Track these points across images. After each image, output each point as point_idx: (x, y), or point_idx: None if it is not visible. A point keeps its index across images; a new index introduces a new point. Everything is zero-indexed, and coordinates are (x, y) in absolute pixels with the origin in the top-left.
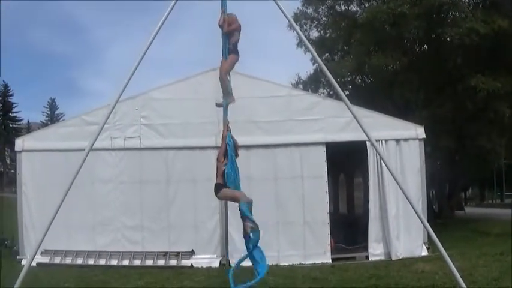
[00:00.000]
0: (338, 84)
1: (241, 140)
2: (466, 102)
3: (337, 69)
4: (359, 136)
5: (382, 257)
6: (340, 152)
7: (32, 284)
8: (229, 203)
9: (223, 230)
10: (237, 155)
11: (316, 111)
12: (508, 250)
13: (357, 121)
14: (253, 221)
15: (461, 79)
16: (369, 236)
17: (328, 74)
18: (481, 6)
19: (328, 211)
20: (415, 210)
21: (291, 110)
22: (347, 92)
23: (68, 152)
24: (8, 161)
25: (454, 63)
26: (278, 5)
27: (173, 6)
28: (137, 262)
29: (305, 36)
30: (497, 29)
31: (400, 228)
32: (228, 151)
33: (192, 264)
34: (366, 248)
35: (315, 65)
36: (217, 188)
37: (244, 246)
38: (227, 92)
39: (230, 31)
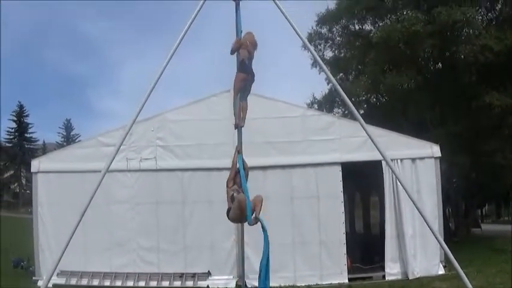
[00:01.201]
0: (353, 103)
1: (257, 160)
2: (481, 119)
3: (352, 88)
4: (374, 155)
5: (399, 277)
6: (356, 171)
7: None
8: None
9: (240, 251)
10: (246, 177)
11: (332, 131)
12: None
13: (372, 140)
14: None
15: (475, 96)
16: (386, 255)
17: (343, 93)
18: (494, 23)
19: (344, 231)
20: (431, 230)
21: (306, 130)
22: (362, 112)
23: (84, 173)
24: (23, 181)
25: (469, 81)
26: (292, 26)
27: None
28: (153, 283)
29: (319, 56)
30: (511, 46)
31: (417, 247)
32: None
33: (208, 286)
34: (382, 268)
35: (329, 85)
36: (228, 212)
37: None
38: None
39: (235, 50)
